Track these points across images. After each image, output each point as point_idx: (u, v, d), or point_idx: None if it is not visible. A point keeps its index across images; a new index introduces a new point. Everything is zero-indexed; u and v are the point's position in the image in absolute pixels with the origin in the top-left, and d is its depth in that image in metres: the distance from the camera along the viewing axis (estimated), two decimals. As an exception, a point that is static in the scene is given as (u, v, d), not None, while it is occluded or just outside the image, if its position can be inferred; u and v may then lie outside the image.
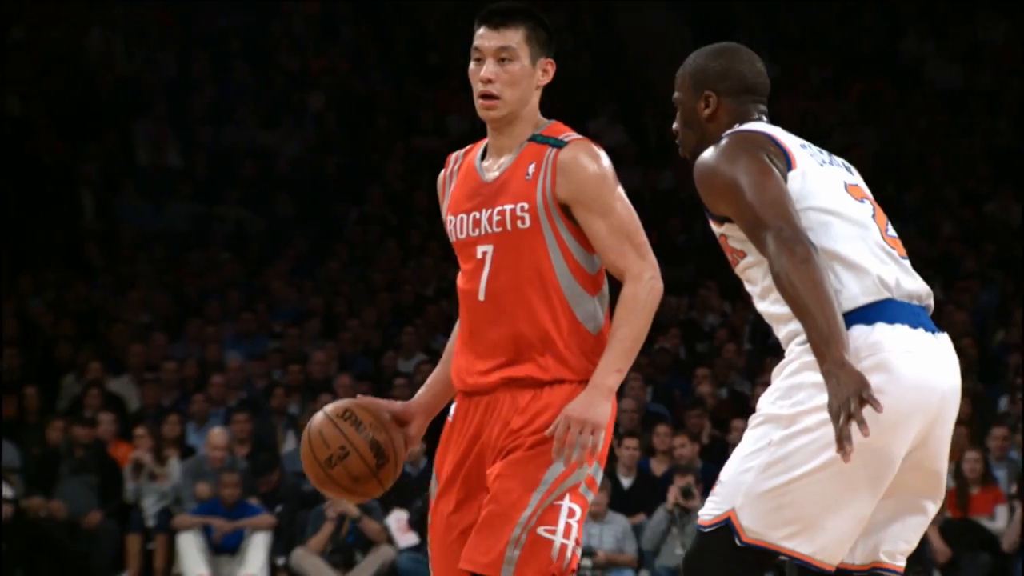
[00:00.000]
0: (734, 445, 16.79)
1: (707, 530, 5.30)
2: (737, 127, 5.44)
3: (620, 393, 19.78)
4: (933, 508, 5.54)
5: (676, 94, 5.59)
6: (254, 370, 20.29)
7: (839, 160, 5.56)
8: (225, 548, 17.67)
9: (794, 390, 5.23)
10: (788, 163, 5.31)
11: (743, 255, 5.39)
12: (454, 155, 6.18)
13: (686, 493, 17.43)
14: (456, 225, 5.97)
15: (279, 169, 24.92)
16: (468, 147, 6.17)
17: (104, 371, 19.93)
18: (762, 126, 5.44)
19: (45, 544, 17.47)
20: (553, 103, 21.49)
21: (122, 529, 17.87)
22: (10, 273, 22.32)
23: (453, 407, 6.13)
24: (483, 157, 6.06)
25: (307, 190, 24.55)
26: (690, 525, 17.33)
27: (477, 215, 5.92)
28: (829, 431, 5.06)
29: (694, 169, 5.34)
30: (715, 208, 5.34)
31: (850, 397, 4.94)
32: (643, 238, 5.90)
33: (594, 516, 17.41)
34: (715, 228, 5.46)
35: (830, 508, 5.27)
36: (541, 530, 5.84)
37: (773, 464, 5.21)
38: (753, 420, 5.36)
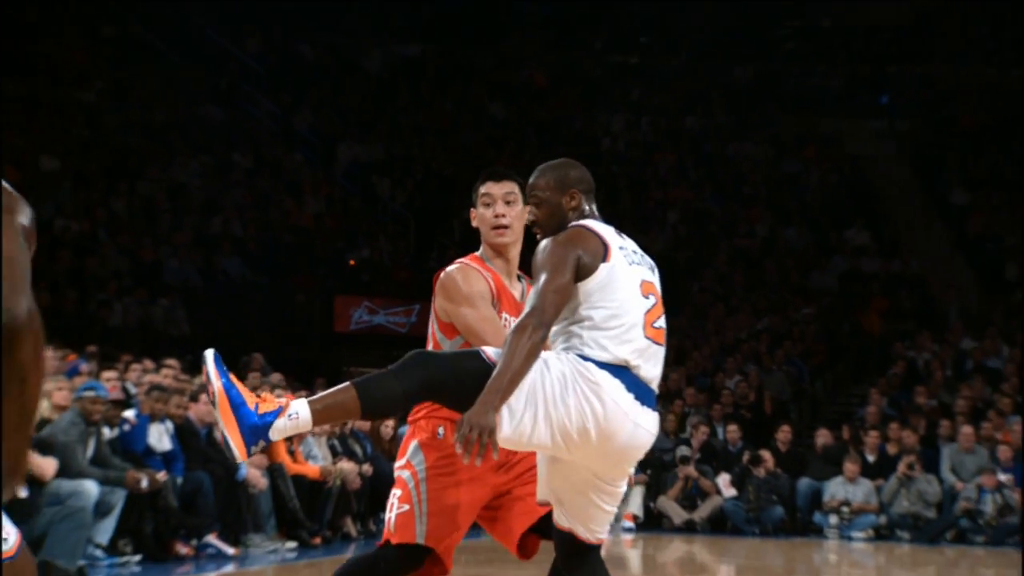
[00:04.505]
0: (948, 438, 16.40)
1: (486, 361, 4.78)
2: (581, 220, 5.02)
3: (865, 398, 19.65)
4: (600, 511, 5.00)
5: (543, 194, 5.09)
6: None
7: (648, 260, 5.13)
8: (616, 495, 17.66)
9: (568, 365, 4.76)
10: (605, 256, 4.88)
11: None
12: (470, 264, 5.48)
13: (911, 466, 17.12)
14: (508, 324, 5.35)
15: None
16: (466, 260, 5.51)
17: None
18: (596, 225, 5.00)
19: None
20: (810, 213, 20.61)
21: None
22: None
23: None
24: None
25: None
26: (914, 488, 17.04)
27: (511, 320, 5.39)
28: (575, 413, 4.69)
29: (543, 241, 4.95)
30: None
31: (483, 427, 4.53)
32: None
33: (850, 479, 17.17)
34: None
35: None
36: None
37: (540, 394, 4.70)
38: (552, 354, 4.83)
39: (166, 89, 25.38)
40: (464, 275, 5.40)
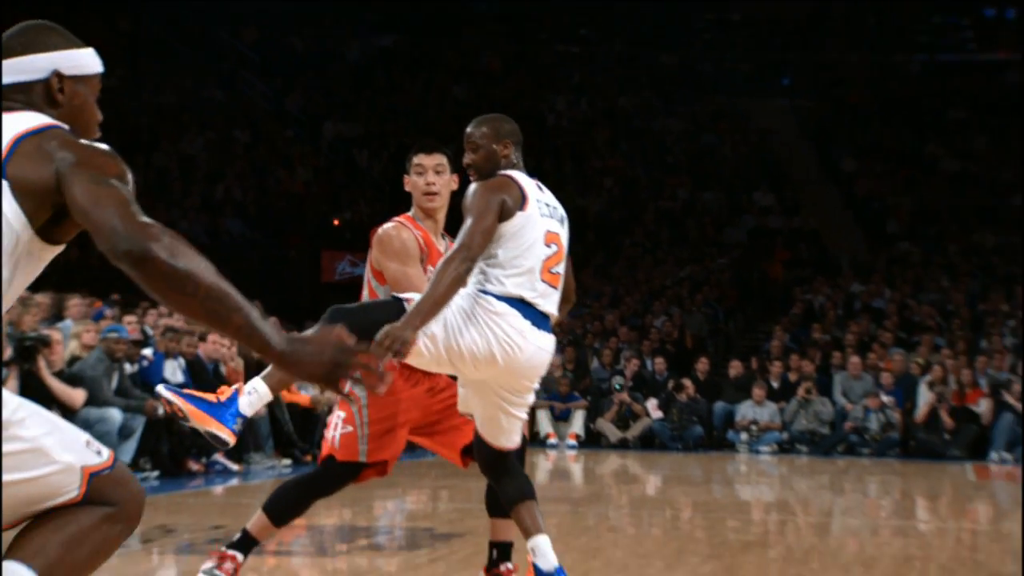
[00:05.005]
0: (840, 367, 16.43)
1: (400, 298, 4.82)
2: (509, 170, 4.93)
3: (770, 334, 19.64)
4: (512, 418, 5.00)
5: (481, 141, 4.96)
6: (577, 325, 20.33)
7: (559, 213, 5.01)
8: (561, 418, 17.63)
9: (470, 299, 4.73)
10: (523, 204, 4.82)
11: None
12: (405, 223, 5.34)
13: (808, 391, 17.24)
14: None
15: None
16: (400, 219, 5.36)
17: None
18: (521, 177, 4.92)
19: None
20: (719, 175, 20.54)
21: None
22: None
23: None
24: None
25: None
26: (811, 409, 17.16)
27: None
28: (481, 341, 4.70)
29: (472, 185, 4.89)
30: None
31: (399, 339, 4.43)
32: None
33: (757, 402, 17.28)
34: None
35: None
36: None
37: (451, 323, 4.67)
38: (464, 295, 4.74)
39: (175, 75, 25.18)
40: (398, 233, 5.29)
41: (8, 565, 2.81)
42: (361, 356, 2.76)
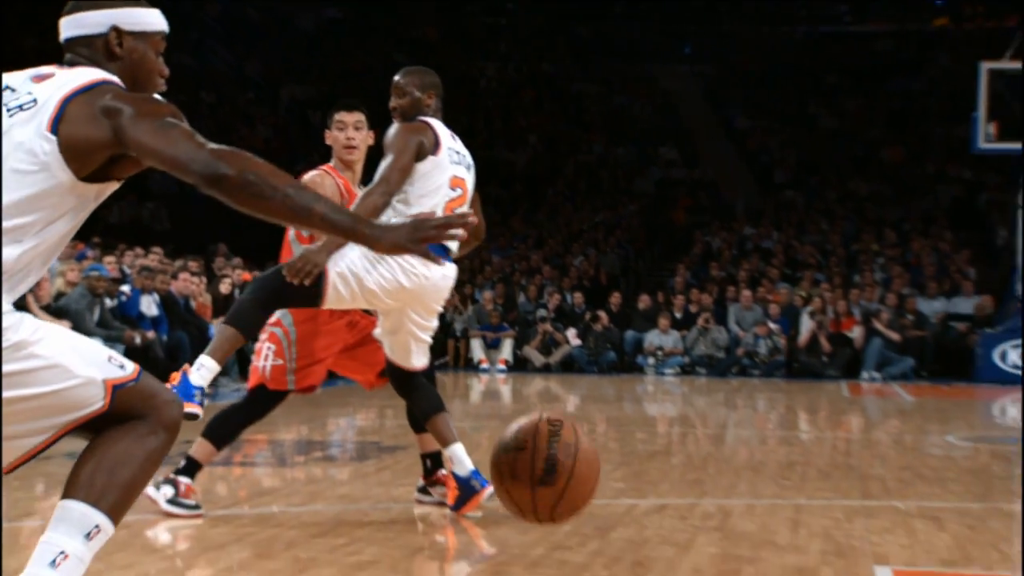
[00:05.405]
0: (734, 299, 16.50)
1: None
2: (428, 118, 4.91)
3: (674, 272, 19.69)
4: (419, 341, 5.00)
5: (407, 88, 4.92)
6: (506, 265, 20.30)
7: (468, 160, 4.99)
8: (492, 346, 17.63)
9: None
10: (436, 149, 4.81)
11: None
12: (328, 172, 5.20)
13: (707, 320, 17.36)
14: None
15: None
16: (324, 168, 5.22)
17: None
18: (438, 125, 4.90)
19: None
20: (624, 137, 20.50)
21: (443, 335, 17.77)
22: None
23: None
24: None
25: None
26: (709, 337, 17.30)
27: None
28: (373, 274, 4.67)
29: (394, 125, 4.86)
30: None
31: (314, 263, 4.49)
32: None
33: (663, 331, 17.38)
34: None
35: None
36: None
37: (360, 265, 4.64)
38: None
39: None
40: (323, 179, 5.20)
41: (63, 504, 2.75)
42: (439, 221, 2.74)
